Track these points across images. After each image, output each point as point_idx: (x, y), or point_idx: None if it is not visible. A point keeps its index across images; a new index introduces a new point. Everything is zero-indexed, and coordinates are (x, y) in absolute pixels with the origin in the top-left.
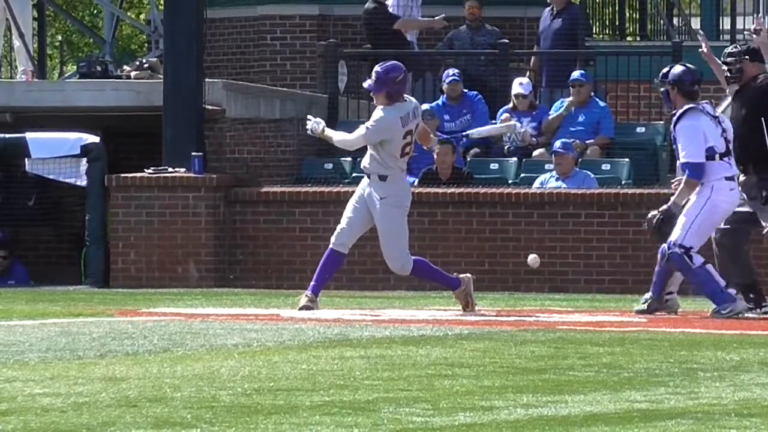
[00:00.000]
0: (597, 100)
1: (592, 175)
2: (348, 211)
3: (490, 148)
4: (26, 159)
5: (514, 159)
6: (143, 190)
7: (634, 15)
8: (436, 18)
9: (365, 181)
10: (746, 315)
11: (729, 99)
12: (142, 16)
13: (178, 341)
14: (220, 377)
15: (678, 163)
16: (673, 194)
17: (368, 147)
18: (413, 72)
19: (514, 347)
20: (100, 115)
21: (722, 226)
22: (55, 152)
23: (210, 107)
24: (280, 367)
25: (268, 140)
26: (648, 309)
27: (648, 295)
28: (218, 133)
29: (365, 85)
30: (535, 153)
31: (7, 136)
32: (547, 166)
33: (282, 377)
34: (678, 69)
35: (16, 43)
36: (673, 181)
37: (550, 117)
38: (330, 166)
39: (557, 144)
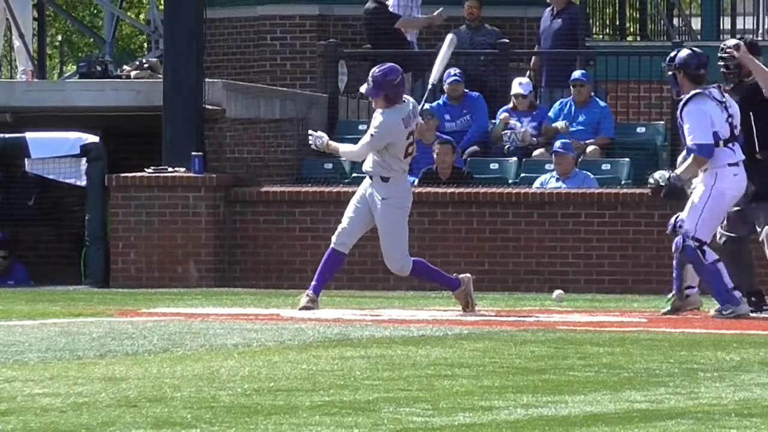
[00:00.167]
0: (597, 100)
1: (592, 176)
2: (349, 211)
3: (490, 148)
4: (26, 159)
5: (514, 159)
6: (143, 190)
7: (634, 15)
8: (435, 13)
9: (367, 181)
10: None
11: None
12: (142, 16)
13: (177, 341)
14: (219, 377)
15: (685, 148)
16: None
17: None
18: (413, 72)
19: (513, 347)
20: (99, 115)
21: (723, 231)
22: (55, 152)
23: (210, 107)
24: (280, 367)
25: (268, 140)
26: (672, 309)
27: (670, 294)
28: (218, 133)
29: (362, 90)
30: (535, 153)
31: (7, 136)
32: (547, 166)
33: (282, 377)
34: (684, 53)
35: (16, 43)
36: (679, 157)
37: (552, 125)
38: (330, 166)
39: (557, 144)
